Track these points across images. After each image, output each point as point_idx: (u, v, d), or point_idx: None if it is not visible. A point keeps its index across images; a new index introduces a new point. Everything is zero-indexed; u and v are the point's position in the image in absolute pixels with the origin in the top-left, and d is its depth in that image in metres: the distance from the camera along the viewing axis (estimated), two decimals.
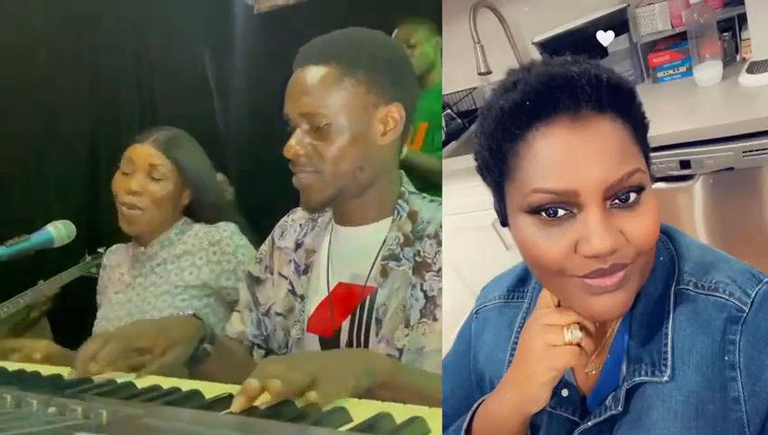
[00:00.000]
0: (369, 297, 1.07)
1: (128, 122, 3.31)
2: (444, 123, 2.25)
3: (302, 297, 1.16)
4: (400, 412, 0.67)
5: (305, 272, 1.17)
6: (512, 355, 0.77)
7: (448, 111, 2.25)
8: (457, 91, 2.28)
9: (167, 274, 1.60)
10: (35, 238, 1.55)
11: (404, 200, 1.11)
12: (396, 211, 1.11)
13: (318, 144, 1.05)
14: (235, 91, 3.38)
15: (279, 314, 1.19)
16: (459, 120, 2.24)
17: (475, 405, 0.77)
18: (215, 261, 1.56)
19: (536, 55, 2.01)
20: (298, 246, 1.20)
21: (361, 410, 0.69)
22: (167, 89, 3.39)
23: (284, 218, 1.27)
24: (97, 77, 3.43)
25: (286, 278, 1.19)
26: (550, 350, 0.67)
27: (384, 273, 1.07)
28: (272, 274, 1.23)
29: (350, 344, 1.09)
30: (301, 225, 1.23)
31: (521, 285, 0.83)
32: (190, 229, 1.66)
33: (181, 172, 1.62)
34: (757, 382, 0.63)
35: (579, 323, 0.68)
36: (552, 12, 1.95)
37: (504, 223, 0.71)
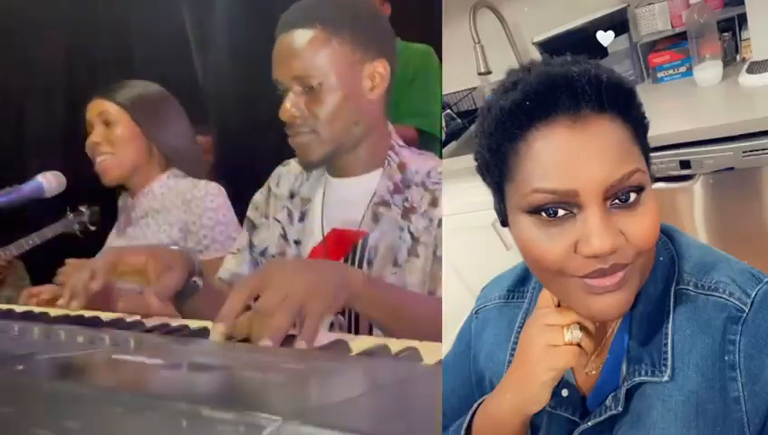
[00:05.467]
0: (361, 241, 1.14)
1: (105, 77, 3.15)
2: (444, 123, 2.25)
3: (298, 242, 1.21)
4: (395, 344, 0.71)
5: (301, 219, 1.22)
6: (512, 355, 0.77)
7: (448, 111, 2.25)
8: (457, 92, 2.28)
9: (147, 229, 1.59)
10: (27, 188, 1.57)
11: (394, 152, 1.18)
12: (387, 162, 1.17)
13: (312, 104, 1.10)
14: (215, 45, 3.27)
15: (274, 256, 1.25)
16: (459, 120, 2.24)
17: (475, 405, 0.77)
18: (183, 220, 1.54)
19: (536, 55, 2.01)
20: (292, 194, 1.25)
21: (357, 345, 0.73)
22: (145, 42, 3.26)
23: (280, 168, 1.32)
24: (74, 31, 3.28)
25: (280, 223, 1.25)
26: (550, 350, 0.67)
27: (375, 218, 1.14)
28: (267, 218, 1.28)
29: None
30: (296, 175, 1.28)
31: (521, 285, 0.83)
32: (174, 184, 1.63)
33: (131, 113, 1.61)
34: (757, 382, 0.63)
35: (579, 323, 0.68)
36: (552, 12, 1.95)
37: (504, 223, 0.71)
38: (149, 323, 0.89)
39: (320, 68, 1.08)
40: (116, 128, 1.60)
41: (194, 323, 0.87)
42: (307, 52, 1.08)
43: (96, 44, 3.35)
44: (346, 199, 1.18)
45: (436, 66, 2.30)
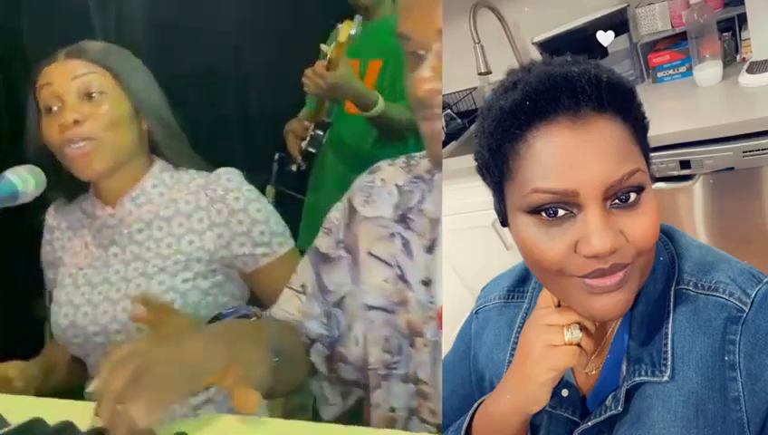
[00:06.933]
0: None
1: None
2: (444, 123, 2.25)
3: (427, 283, 0.88)
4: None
5: (430, 250, 0.89)
6: (512, 355, 0.77)
7: (448, 111, 2.25)
8: (457, 92, 2.28)
9: (155, 244, 1.23)
10: None
11: None
12: None
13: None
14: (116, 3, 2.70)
15: (376, 308, 0.92)
16: (459, 120, 2.24)
17: (475, 405, 0.77)
18: (222, 223, 1.21)
19: (536, 55, 2.01)
20: (404, 217, 0.91)
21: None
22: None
23: (365, 178, 0.95)
24: None
25: (384, 262, 0.91)
26: (550, 350, 0.67)
27: None
28: (349, 252, 0.94)
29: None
30: (398, 185, 0.92)
31: (521, 285, 0.82)
32: (174, 179, 1.27)
33: (122, 84, 1.23)
34: (757, 382, 0.63)
35: (579, 323, 0.68)
36: (552, 12, 1.95)
37: (504, 223, 0.71)
38: None
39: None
40: (103, 101, 1.20)
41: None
42: None
43: None
44: None
45: None
